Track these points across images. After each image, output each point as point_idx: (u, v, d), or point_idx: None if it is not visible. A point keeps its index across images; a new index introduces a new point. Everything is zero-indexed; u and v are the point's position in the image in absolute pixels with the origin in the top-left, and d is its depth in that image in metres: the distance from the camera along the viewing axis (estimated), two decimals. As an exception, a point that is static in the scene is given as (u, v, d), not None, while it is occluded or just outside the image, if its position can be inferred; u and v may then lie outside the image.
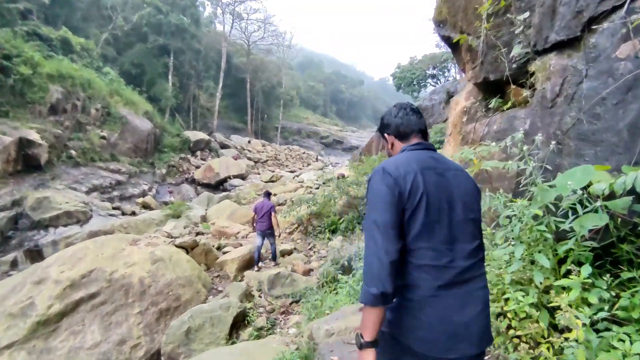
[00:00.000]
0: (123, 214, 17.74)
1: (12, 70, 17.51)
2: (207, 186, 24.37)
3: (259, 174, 28.29)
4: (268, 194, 8.42)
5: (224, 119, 41.44)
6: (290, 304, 5.89)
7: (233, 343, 4.87)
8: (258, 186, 20.29)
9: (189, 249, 7.24)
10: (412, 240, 1.30)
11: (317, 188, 14.86)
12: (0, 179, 15.42)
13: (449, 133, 5.31)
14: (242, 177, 26.12)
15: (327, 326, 3.28)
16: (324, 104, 68.41)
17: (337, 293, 5.28)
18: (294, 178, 22.41)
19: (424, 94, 26.52)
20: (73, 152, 19.56)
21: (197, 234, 10.73)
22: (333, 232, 9.21)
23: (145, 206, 19.64)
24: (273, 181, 23.70)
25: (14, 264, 12.12)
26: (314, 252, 8.20)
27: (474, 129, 4.29)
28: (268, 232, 7.50)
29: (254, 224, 7.70)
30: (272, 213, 7.62)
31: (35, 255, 12.75)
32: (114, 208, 18.29)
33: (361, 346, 1.28)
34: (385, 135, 1.61)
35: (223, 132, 36.61)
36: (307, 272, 6.78)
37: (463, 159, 3.00)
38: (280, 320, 5.48)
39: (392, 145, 1.59)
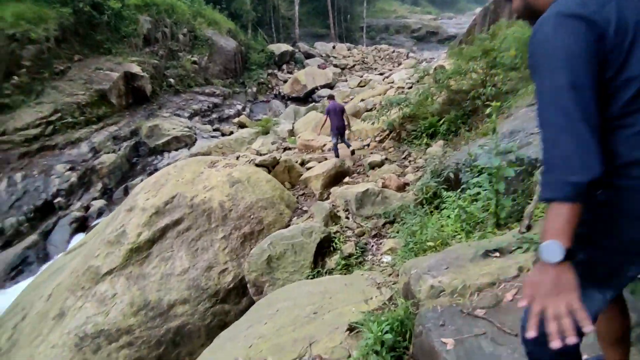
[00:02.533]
0: (222, 134, 18.36)
1: (103, 7, 17.85)
2: (296, 99, 23.68)
3: (346, 81, 26.36)
4: (332, 97, 9.01)
5: (306, 27, 38.69)
6: (383, 225, 4.90)
7: (318, 273, 4.18)
8: (344, 93, 18.72)
9: (270, 167, 6.60)
10: (625, 103, 0.92)
11: (410, 87, 12.78)
12: (117, 113, 16.83)
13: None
14: (330, 86, 24.60)
15: (433, 279, 2.15)
16: (413, -9, 58.91)
17: (440, 214, 4.05)
18: (383, 80, 20.10)
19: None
20: (172, 80, 20.27)
21: (285, 149, 10.17)
22: (431, 136, 7.62)
23: (241, 125, 19.99)
24: (362, 86, 21.76)
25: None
26: (410, 162, 6.87)
27: None
28: (342, 131, 7.92)
29: (323, 125, 8.39)
30: (344, 113, 7.97)
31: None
32: (214, 130, 19.02)
33: (553, 257, 0.85)
34: None
35: (306, 40, 34.37)
36: (402, 187, 5.60)
37: None
38: (372, 245, 4.58)
39: None
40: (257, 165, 6.48)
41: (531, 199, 2.91)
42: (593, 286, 0.99)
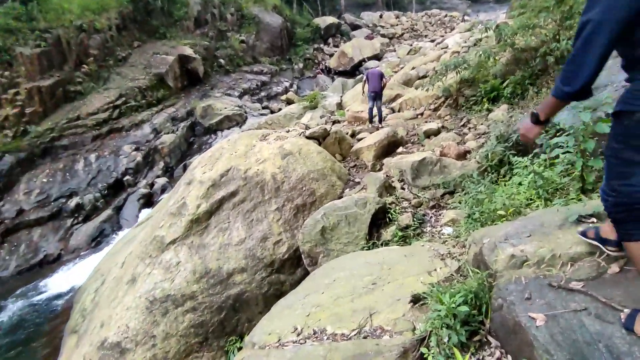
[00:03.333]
0: (271, 112, 18.51)
1: (157, -8, 18.42)
2: (344, 73, 23.07)
3: (394, 50, 25.10)
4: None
5: (352, -3, 37.21)
6: (442, 195, 4.56)
7: (374, 244, 4.01)
8: (393, 64, 17.81)
9: (320, 139, 6.43)
10: None
11: (467, 52, 11.75)
12: (174, 95, 17.57)
13: None
14: (377, 57, 23.63)
15: (513, 248, 1.88)
16: (468, -51, 53.72)
17: (510, 182, 3.64)
18: (436, 46, 18.79)
19: None
20: (222, 61, 20.66)
21: (334, 122, 9.93)
22: (493, 101, 6.93)
23: (289, 102, 19.98)
24: (413, 55, 20.58)
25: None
26: (469, 129, 6.32)
27: None
28: (378, 94, 7.98)
29: (363, 89, 8.42)
30: (382, 77, 8.09)
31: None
32: (263, 107, 19.22)
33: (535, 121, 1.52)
34: None
35: (352, 11, 33.04)
36: (463, 155, 5.16)
37: None
38: (431, 217, 4.28)
39: None
40: (307, 137, 6.35)
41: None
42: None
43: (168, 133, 15.32)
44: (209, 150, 5.95)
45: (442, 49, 14.80)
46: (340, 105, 12.05)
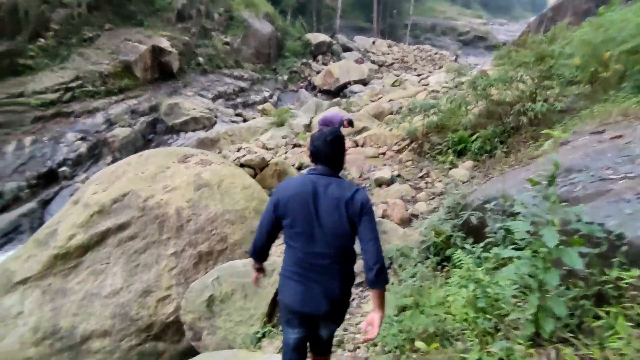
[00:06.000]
0: (244, 120, 17.45)
1: (140, -23, 17.26)
2: (327, 92, 22.39)
3: (381, 78, 24.72)
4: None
5: (349, 18, 36.98)
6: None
7: (269, 332, 3.00)
8: (374, 92, 17.23)
9: (257, 169, 5.47)
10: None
11: (447, 92, 11.19)
12: (140, 87, 16.23)
13: None
14: (364, 82, 23.11)
15: None
16: (466, -7, 55.40)
17: (451, 279, 2.76)
18: (419, 81, 18.40)
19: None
20: (201, 59, 19.53)
21: (294, 145, 9.02)
22: (460, 154, 6.20)
23: (266, 113, 19.02)
24: (396, 86, 20.13)
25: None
26: (427, 183, 5.50)
27: None
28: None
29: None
30: (342, 123, 7.17)
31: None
32: (236, 115, 18.15)
33: None
34: None
35: (347, 33, 32.72)
36: (407, 221, 4.27)
37: None
38: (352, 299, 3.33)
39: None
40: (242, 165, 5.36)
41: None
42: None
43: (124, 126, 13.96)
44: (115, 165, 4.84)
45: (423, 85, 14.29)
46: (309, 127, 11.17)
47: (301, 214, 1.65)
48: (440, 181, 5.33)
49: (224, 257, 4.08)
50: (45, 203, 10.80)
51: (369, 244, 1.62)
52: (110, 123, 13.80)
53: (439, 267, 3.31)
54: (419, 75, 24.52)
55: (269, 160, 5.53)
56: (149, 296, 3.68)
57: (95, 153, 12.86)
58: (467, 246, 2.89)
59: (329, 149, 1.73)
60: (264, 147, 8.83)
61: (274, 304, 3.16)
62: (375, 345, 2.51)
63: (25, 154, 11.50)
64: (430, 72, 26.30)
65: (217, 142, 10.97)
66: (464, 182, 5.00)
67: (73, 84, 13.75)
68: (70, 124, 12.98)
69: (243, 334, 3.04)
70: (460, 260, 2.61)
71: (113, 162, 12.64)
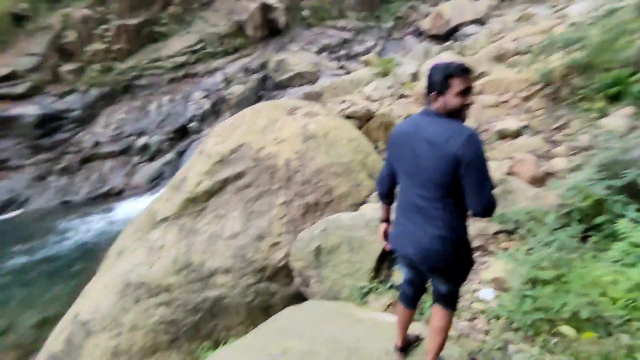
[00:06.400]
0: (347, 72, 17.07)
1: None
2: (436, 37, 20.16)
3: (501, 16, 21.03)
4: None
5: (466, -53, 31.78)
6: (496, 234, 3.18)
7: (374, 289, 2.92)
8: (492, 32, 14.74)
9: (362, 120, 5.20)
10: None
11: (594, 24, 8.80)
12: (251, 45, 17.03)
13: None
14: (480, 21, 20.04)
15: None
16: None
17: (607, 253, 2.21)
18: (553, 14, 15.01)
19: None
20: (306, 13, 19.36)
21: (400, 96, 8.42)
22: (613, 99, 4.88)
23: (368, 64, 18.21)
24: (523, 21, 16.88)
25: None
26: (565, 136, 4.51)
27: None
28: None
29: None
30: None
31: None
32: (339, 67, 17.83)
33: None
34: None
35: (463, -36, 28.26)
36: (540, 180, 3.56)
37: None
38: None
39: None
40: (347, 117, 5.17)
41: None
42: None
43: (238, 84, 15.01)
44: (233, 117, 5.15)
45: (559, 17, 11.57)
46: (415, 77, 10.28)
47: (404, 154, 1.63)
48: (585, 133, 4.30)
49: (330, 209, 4.09)
50: (181, 154, 12.53)
51: (471, 197, 1.49)
52: (228, 81, 14.95)
53: (583, 237, 2.70)
54: (554, 6, 20.06)
55: (374, 112, 5.22)
56: (262, 241, 3.95)
57: (216, 110, 14.20)
58: (632, 214, 2.25)
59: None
60: (368, 98, 8.44)
61: (381, 259, 3.05)
62: (497, 318, 2.20)
63: (163, 112, 13.36)
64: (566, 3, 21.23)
65: (321, 95, 10.95)
66: (621, 135, 3.94)
67: (197, 47, 15.13)
68: (196, 84, 14.49)
69: (350, 287, 3.04)
70: (622, 233, 2.03)
71: (231, 117, 13.87)
